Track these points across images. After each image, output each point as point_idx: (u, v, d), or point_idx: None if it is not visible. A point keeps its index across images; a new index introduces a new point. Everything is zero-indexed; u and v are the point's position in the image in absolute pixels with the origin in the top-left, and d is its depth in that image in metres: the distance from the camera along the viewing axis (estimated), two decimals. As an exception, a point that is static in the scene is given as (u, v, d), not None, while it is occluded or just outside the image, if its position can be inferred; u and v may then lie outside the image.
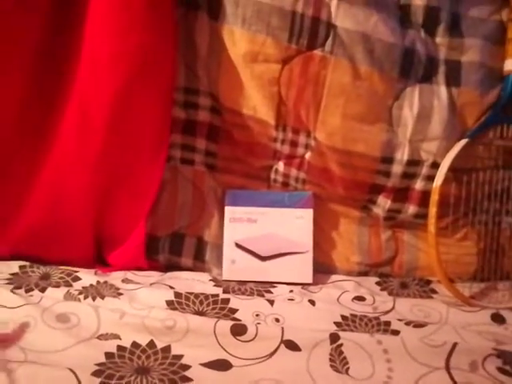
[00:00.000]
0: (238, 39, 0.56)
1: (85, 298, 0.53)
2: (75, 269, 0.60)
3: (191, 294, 0.55)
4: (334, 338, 0.47)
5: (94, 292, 0.54)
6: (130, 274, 0.62)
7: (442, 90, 0.58)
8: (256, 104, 0.59)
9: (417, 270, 0.66)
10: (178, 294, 0.55)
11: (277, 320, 0.52)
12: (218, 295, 0.55)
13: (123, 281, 0.59)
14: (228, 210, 0.65)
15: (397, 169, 0.61)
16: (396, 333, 0.50)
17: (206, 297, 0.55)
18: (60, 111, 0.55)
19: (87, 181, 0.59)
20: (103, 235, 0.65)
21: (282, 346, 0.46)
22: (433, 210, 0.59)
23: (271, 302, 0.55)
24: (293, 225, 0.64)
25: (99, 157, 0.58)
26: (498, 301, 0.60)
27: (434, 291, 0.62)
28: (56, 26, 0.53)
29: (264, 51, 0.56)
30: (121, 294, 0.55)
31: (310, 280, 0.63)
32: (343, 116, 0.58)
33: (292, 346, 0.46)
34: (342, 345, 0.46)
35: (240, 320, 0.51)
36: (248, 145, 0.63)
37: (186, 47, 0.60)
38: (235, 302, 0.55)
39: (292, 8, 0.55)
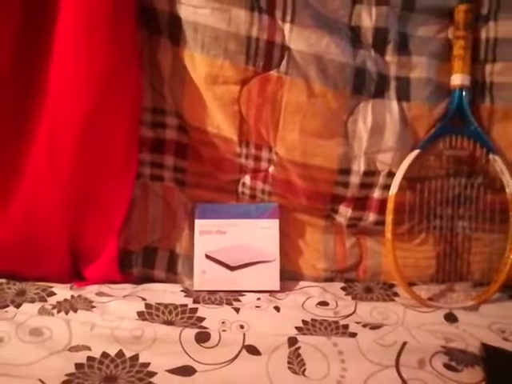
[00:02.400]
0: (198, 63, 0.60)
1: (58, 312, 0.56)
2: (51, 284, 0.63)
3: (161, 304, 0.58)
4: (292, 341, 0.50)
5: (67, 306, 0.57)
6: (104, 288, 0.65)
7: (394, 105, 0.62)
8: (219, 123, 0.63)
9: (380, 274, 0.69)
10: (148, 305, 0.58)
11: (241, 327, 0.55)
12: (186, 305, 0.58)
13: (97, 294, 0.62)
14: (198, 223, 0.68)
15: (355, 179, 0.64)
16: (353, 335, 0.53)
17: (175, 307, 0.58)
18: (30, 134, 0.58)
19: (59, 200, 0.61)
20: (78, 251, 0.67)
21: (244, 350, 0.49)
22: (389, 218, 0.63)
23: (237, 310, 0.58)
24: (260, 235, 0.68)
25: (70, 177, 0.60)
26: (453, 301, 0.63)
27: (396, 294, 0.65)
28: (22, 51, 0.56)
29: (223, 74, 0.59)
30: (94, 306, 0.58)
31: (277, 287, 0.66)
32: (301, 132, 0.61)
33: (253, 350, 0.49)
34: (299, 348, 0.49)
35: (206, 328, 0.54)
36: (215, 160, 0.66)
37: (151, 70, 0.63)
38: (203, 310, 0.57)
39: (247, 33, 0.59)
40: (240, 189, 0.69)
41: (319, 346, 0.50)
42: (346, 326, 0.55)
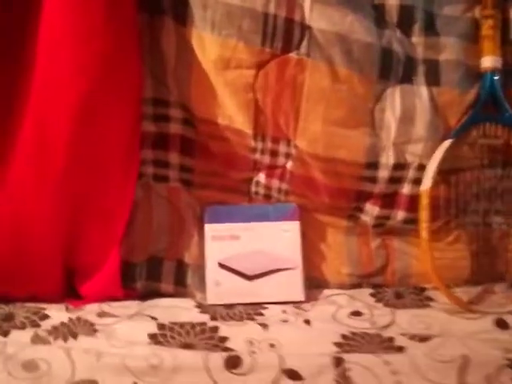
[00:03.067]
0: (207, 45, 0.53)
1: (55, 338, 0.48)
2: (43, 305, 0.55)
3: (176, 324, 0.51)
4: (337, 361, 0.43)
5: (66, 331, 0.49)
6: (105, 306, 0.57)
7: (423, 90, 0.57)
8: (231, 113, 0.56)
9: (410, 277, 0.63)
10: (161, 326, 0.50)
11: (272, 345, 0.48)
12: (205, 323, 0.51)
13: (98, 315, 0.54)
14: (208, 227, 0.61)
15: (383, 174, 0.58)
16: (401, 349, 0.47)
17: (193, 326, 0.50)
18: (14, 132, 0.50)
19: (50, 206, 0.53)
20: (73, 264, 0.59)
21: (283, 376, 0.42)
22: (424, 214, 0.57)
23: (264, 326, 0.51)
24: (279, 239, 0.61)
25: (62, 179, 0.52)
26: (497, 305, 0.57)
27: (430, 299, 0.59)
28: (6, 36, 0.48)
29: (236, 56, 0.53)
30: (96, 330, 0.50)
31: (301, 297, 0.59)
32: (324, 122, 0.55)
33: (293, 375, 0.42)
34: (347, 369, 0.42)
35: (233, 350, 0.47)
36: (226, 157, 0.59)
37: (152, 56, 0.56)
38: (225, 329, 0.50)
39: (264, 9, 0.52)
40: (253, 188, 0.62)
41: (370, 366, 0.43)
42: (390, 339, 0.49)
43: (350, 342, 0.48)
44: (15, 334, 0.48)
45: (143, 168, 0.59)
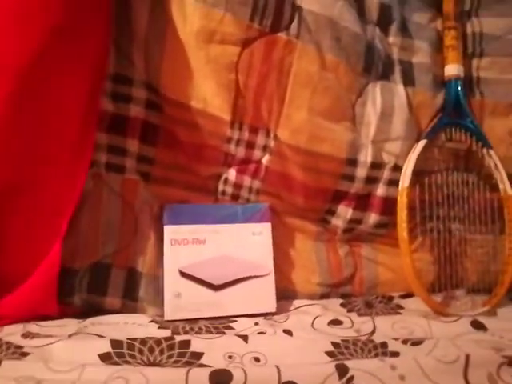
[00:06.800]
0: (190, 14, 0.46)
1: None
2: None
3: (135, 340, 0.40)
4: (341, 370, 0.37)
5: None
6: (31, 326, 0.45)
7: (400, 89, 0.56)
8: (208, 95, 0.49)
9: (377, 286, 0.61)
10: (116, 343, 0.40)
11: (256, 359, 0.41)
12: (172, 338, 0.42)
13: (24, 335, 0.42)
14: (168, 229, 0.52)
15: (361, 172, 0.56)
16: (397, 354, 0.43)
17: (158, 341, 0.41)
18: None
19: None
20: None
21: (283, 391, 0.35)
22: (403, 214, 0.55)
23: (243, 338, 0.43)
24: (249, 243, 0.54)
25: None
26: (465, 308, 0.57)
27: (399, 307, 0.57)
28: None
29: (222, 30, 0.47)
30: (26, 353, 0.38)
31: (273, 308, 0.53)
32: (309, 110, 0.51)
33: (294, 388, 0.35)
34: (353, 377, 0.37)
35: (211, 366, 0.38)
36: (194, 147, 0.52)
37: (117, 24, 0.47)
38: (197, 343, 0.42)
39: (255, -20, 0.48)
40: (221, 187, 0.55)
41: (375, 372, 0.38)
42: (384, 344, 0.44)
43: (343, 350, 0.43)
44: None
45: (95, 154, 0.48)
